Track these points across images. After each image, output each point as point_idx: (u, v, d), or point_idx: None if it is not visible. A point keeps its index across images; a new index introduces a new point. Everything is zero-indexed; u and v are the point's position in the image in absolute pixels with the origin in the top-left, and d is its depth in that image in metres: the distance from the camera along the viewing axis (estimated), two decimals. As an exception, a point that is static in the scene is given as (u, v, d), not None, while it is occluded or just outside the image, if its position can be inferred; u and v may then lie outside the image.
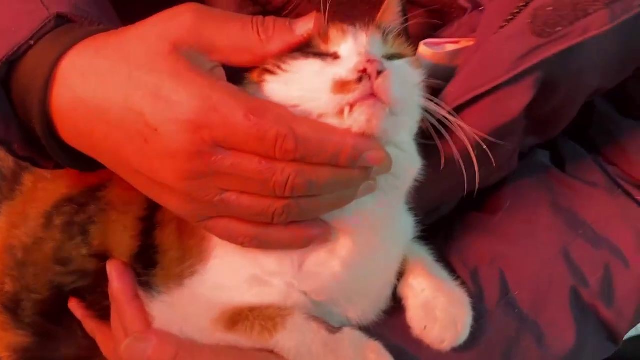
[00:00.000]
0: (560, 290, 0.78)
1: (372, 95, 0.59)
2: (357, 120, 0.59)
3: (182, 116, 0.57)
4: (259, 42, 0.61)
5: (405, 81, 0.64)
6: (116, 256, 0.77)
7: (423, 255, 0.79)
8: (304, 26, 0.63)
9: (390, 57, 0.67)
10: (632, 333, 1.15)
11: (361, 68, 0.59)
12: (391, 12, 0.73)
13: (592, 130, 0.90)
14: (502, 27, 0.68)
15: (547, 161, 0.91)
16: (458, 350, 0.72)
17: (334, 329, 0.69)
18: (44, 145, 0.67)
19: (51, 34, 0.64)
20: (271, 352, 0.68)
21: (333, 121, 0.60)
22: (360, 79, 0.59)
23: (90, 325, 0.81)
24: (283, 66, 0.63)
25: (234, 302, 0.69)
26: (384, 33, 0.68)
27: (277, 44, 0.62)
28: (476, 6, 0.75)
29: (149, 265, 0.75)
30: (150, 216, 0.76)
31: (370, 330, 0.74)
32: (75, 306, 0.81)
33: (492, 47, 0.69)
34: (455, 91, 0.69)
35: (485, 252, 0.81)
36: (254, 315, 0.68)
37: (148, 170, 0.61)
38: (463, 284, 0.76)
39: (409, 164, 0.69)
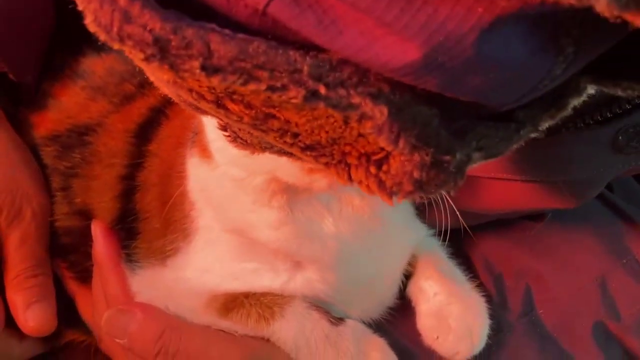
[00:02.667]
0: (586, 320, 0.70)
1: None
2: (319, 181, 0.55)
3: None
4: None
5: None
6: (98, 218, 0.72)
7: (436, 252, 0.71)
8: None
9: None
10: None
11: None
12: None
13: None
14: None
15: None
16: None
17: (336, 321, 0.63)
18: None
19: None
20: (267, 340, 0.63)
21: None
22: None
23: (71, 286, 0.76)
24: None
25: (225, 287, 0.64)
26: None
27: None
28: None
29: (129, 236, 0.69)
30: (131, 175, 0.70)
31: (377, 325, 0.68)
32: (58, 265, 0.76)
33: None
34: (507, 166, 0.62)
35: (515, 261, 0.73)
36: (250, 302, 0.63)
37: None
38: (480, 285, 0.69)
39: None
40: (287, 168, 0.53)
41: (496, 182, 0.62)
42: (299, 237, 0.61)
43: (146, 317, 0.62)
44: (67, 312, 0.76)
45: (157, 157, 0.69)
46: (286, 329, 0.62)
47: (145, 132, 0.71)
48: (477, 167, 0.61)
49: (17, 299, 0.70)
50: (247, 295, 0.63)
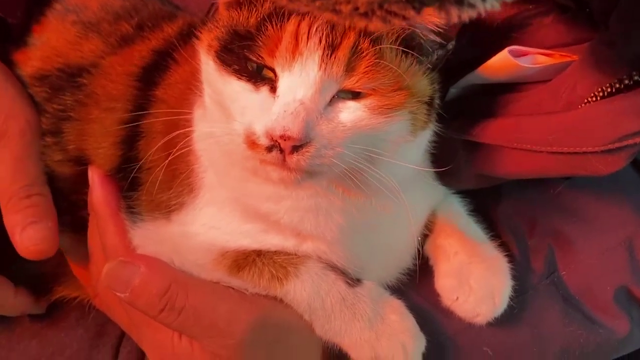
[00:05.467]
0: (610, 283, 0.67)
1: (284, 165, 0.50)
2: (269, 174, 0.52)
3: None
4: None
5: (340, 138, 0.51)
6: (96, 164, 0.67)
7: (456, 210, 0.68)
8: None
9: (349, 93, 0.52)
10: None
11: (272, 139, 0.49)
12: None
13: None
14: (611, 92, 0.56)
15: None
16: (493, 325, 0.63)
17: (352, 282, 0.60)
18: None
19: None
20: (279, 300, 0.60)
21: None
22: (270, 149, 0.50)
23: (62, 237, 0.69)
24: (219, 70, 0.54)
25: (235, 244, 0.61)
26: (352, 55, 0.50)
27: None
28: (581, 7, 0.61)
29: (131, 187, 0.64)
30: (135, 120, 0.65)
31: (394, 287, 0.65)
32: None
33: (595, 114, 0.56)
34: (537, 138, 0.58)
35: (538, 221, 0.69)
36: (262, 260, 0.60)
37: None
38: (502, 245, 0.66)
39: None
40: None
41: (521, 151, 0.59)
42: (300, 211, 0.57)
43: (151, 270, 0.58)
44: (57, 266, 0.72)
45: (164, 104, 0.64)
46: (300, 289, 0.59)
47: (150, 76, 0.66)
48: (501, 136, 0.59)
49: (12, 221, 0.65)
50: (259, 254, 0.60)
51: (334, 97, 0.51)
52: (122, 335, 0.72)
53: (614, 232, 0.68)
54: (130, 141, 0.65)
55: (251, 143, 0.51)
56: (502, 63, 0.59)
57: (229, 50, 0.52)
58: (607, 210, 0.68)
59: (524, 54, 0.59)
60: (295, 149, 0.49)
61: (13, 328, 0.74)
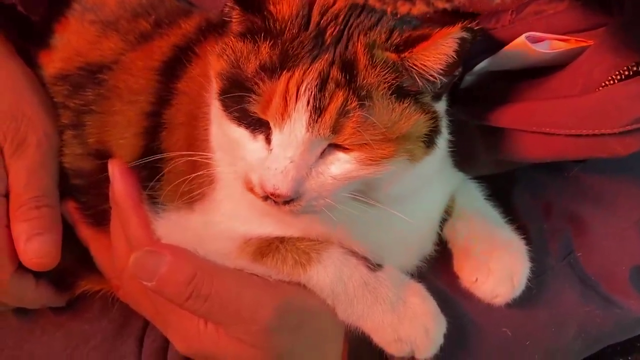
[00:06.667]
0: (626, 264, 0.69)
1: (280, 208, 0.54)
2: (270, 210, 0.55)
3: None
4: None
5: (329, 191, 0.53)
6: (117, 156, 0.68)
7: (474, 194, 0.69)
8: None
9: (338, 146, 0.53)
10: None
11: (266, 193, 0.53)
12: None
13: None
14: (628, 75, 0.57)
15: None
16: (512, 306, 0.64)
17: (374, 267, 0.61)
18: None
19: None
20: (302, 286, 0.61)
21: None
22: (265, 198, 0.53)
23: (84, 231, 0.72)
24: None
25: (258, 232, 0.62)
26: (340, 116, 0.51)
27: None
28: None
29: (153, 177, 0.65)
30: (158, 112, 0.67)
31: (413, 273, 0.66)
32: (69, 209, 0.72)
33: (612, 97, 0.57)
34: (556, 121, 0.59)
35: (554, 203, 0.71)
36: (285, 247, 0.61)
37: None
38: (519, 229, 0.67)
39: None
40: None
41: (540, 135, 0.60)
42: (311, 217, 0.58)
43: (177, 259, 0.59)
44: (79, 262, 0.73)
45: (186, 96, 0.66)
46: (323, 275, 0.60)
47: (172, 69, 0.68)
48: (520, 120, 0.60)
49: (19, 230, 0.66)
50: (282, 240, 0.61)
51: (325, 149, 0.53)
52: (146, 325, 0.73)
53: (628, 213, 0.69)
54: (153, 132, 0.66)
55: (250, 188, 0.54)
56: (519, 49, 0.60)
57: (231, 98, 0.54)
58: (621, 192, 0.70)
59: (540, 40, 0.60)
60: (287, 202, 0.52)
61: (36, 320, 0.75)
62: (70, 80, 0.72)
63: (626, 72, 0.56)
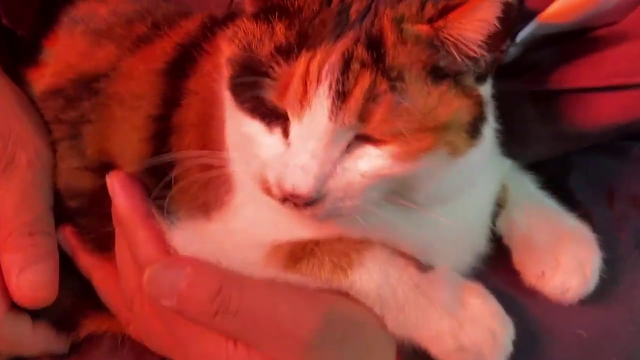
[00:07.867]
0: None
1: (301, 212, 0.49)
2: (291, 213, 0.50)
3: None
4: None
5: (357, 190, 0.48)
6: (121, 165, 0.62)
7: (527, 182, 0.62)
8: None
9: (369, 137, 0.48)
10: None
11: (284, 194, 0.47)
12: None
13: None
14: None
15: None
16: (584, 302, 0.56)
17: (424, 267, 0.54)
18: None
19: None
20: (345, 294, 0.54)
21: None
22: (283, 200, 0.48)
23: (85, 259, 0.65)
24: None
25: (289, 236, 0.55)
26: (367, 101, 0.45)
27: None
28: None
29: (164, 185, 0.58)
30: (166, 116, 0.61)
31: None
32: (67, 235, 0.65)
33: None
34: (627, 68, 0.55)
35: (617, 190, 0.65)
36: (321, 250, 0.54)
37: None
38: (583, 216, 0.60)
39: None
40: None
41: (610, 93, 0.55)
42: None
43: (198, 271, 0.51)
44: (81, 298, 0.66)
45: (197, 95, 0.60)
46: (367, 278, 0.53)
47: (179, 69, 0.63)
48: (584, 74, 0.54)
49: (9, 261, 0.60)
50: (317, 243, 0.54)
51: (352, 141, 0.47)
52: (163, 362, 0.65)
53: None
54: (162, 136, 0.60)
55: (266, 189, 0.49)
56: (574, 4, 0.54)
57: (242, 84, 0.49)
58: None
59: None
60: (308, 204, 0.47)
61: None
62: (63, 93, 0.68)
63: None
